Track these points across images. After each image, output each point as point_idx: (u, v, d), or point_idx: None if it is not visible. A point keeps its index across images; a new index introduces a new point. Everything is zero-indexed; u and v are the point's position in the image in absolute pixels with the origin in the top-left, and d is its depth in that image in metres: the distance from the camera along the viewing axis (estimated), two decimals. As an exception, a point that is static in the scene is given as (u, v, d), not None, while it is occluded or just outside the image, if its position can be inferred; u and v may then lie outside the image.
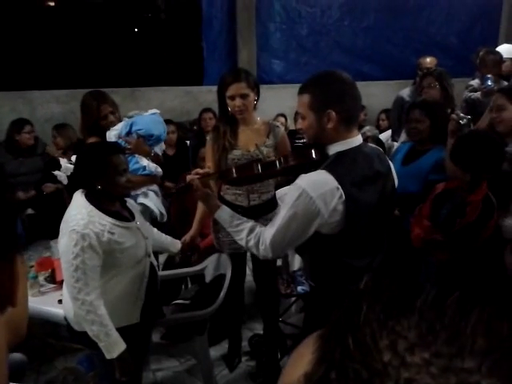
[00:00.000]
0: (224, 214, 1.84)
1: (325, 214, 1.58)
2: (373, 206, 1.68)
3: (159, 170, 2.96)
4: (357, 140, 1.71)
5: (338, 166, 1.63)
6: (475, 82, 4.21)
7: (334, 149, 1.68)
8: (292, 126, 5.29)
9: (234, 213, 1.85)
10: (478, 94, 3.95)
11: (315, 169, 1.65)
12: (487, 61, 4.09)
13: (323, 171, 1.61)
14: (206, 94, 5.72)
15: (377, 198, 1.69)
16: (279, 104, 5.64)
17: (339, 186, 1.57)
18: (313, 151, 1.71)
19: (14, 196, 4.19)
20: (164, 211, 3.17)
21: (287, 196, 1.66)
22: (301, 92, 1.70)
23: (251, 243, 1.73)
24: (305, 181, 1.60)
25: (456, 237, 2.26)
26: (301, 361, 0.40)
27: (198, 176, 1.88)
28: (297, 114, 5.16)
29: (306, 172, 1.65)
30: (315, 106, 1.64)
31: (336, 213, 1.60)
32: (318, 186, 1.58)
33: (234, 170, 1.87)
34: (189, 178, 1.89)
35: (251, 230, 1.75)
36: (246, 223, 1.78)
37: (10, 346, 0.56)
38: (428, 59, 4.62)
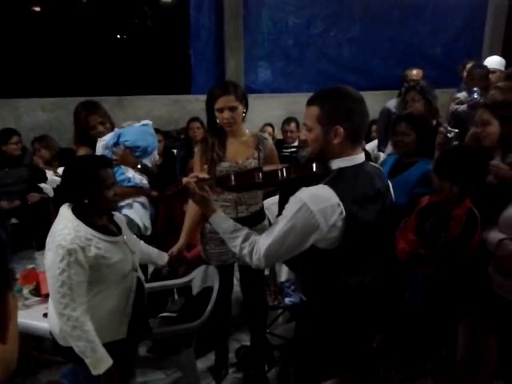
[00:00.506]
0: (219, 219, 1.83)
1: (324, 229, 1.58)
2: (371, 225, 1.68)
3: (145, 181, 2.95)
4: (360, 157, 1.71)
5: (340, 182, 1.62)
6: (462, 95, 4.28)
7: (336, 164, 1.67)
8: (279, 136, 5.32)
9: (230, 219, 1.84)
10: (464, 107, 4.01)
11: (316, 183, 1.64)
12: (474, 74, 4.17)
13: (325, 186, 1.60)
14: (194, 103, 5.73)
15: (375, 217, 1.69)
16: (266, 113, 5.68)
17: (340, 203, 1.57)
18: (314, 165, 1.69)
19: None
20: (148, 224, 3.12)
21: (286, 207, 1.65)
22: (310, 103, 1.69)
23: (245, 251, 1.72)
24: (306, 194, 1.59)
25: (440, 251, 2.28)
26: None
27: (195, 179, 1.86)
28: (288, 121, 5.19)
29: (307, 185, 1.64)
30: (324, 119, 1.64)
31: (335, 229, 1.59)
32: (319, 201, 1.57)
33: (232, 178, 1.84)
34: (185, 180, 1.86)
35: (246, 238, 1.73)
36: (240, 231, 1.76)
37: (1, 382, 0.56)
38: (414, 71, 4.69)
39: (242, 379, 2.99)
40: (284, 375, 3.00)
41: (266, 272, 3.25)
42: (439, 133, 2.67)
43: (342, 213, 1.57)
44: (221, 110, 2.50)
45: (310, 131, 1.69)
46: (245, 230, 1.77)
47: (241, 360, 3.11)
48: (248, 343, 3.10)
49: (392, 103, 4.17)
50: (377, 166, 1.91)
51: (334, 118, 1.62)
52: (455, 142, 2.64)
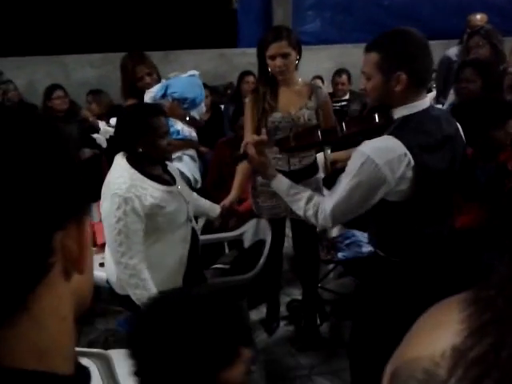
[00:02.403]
0: (281, 183, 1.79)
1: (391, 182, 1.51)
2: (444, 171, 1.58)
3: (194, 134, 2.90)
4: (424, 103, 1.60)
5: (405, 130, 1.53)
6: None
7: (400, 112, 1.58)
8: (329, 89, 5.13)
9: (291, 182, 1.79)
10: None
11: (379, 134, 1.56)
12: None
13: (389, 136, 1.52)
14: (241, 57, 5.59)
15: (448, 162, 1.60)
16: (315, 66, 5.46)
17: (407, 152, 1.49)
18: (376, 115, 1.61)
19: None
20: (198, 177, 3.10)
21: (349, 163, 1.58)
22: (368, 50, 1.59)
23: (309, 212, 1.67)
24: (369, 147, 1.52)
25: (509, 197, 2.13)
26: (440, 330, 0.32)
27: (253, 144, 1.82)
28: (339, 72, 4.98)
29: (369, 138, 1.56)
30: (384, 66, 1.54)
31: (404, 180, 1.52)
32: (384, 153, 1.50)
33: (291, 138, 1.80)
34: (244, 146, 1.84)
35: (309, 199, 1.69)
36: (303, 193, 1.72)
37: (75, 315, 0.53)
38: (478, 16, 4.37)
39: (293, 332, 2.99)
40: (336, 329, 2.99)
41: (319, 227, 3.19)
42: (508, 74, 2.48)
43: (409, 163, 1.49)
44: (273, 57, 2.40)
45: (369, 79, 1.60)
46: (307, 192, 1.73)
47: (292, 313, 3.11)
48: (299, 297, 3.09)
49: (453, 51, 3.93)
50: (445, 109, 1.79)
51: (396, 64, 1.52)
52: None
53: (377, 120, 1.60)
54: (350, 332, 2.18)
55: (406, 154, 1.48)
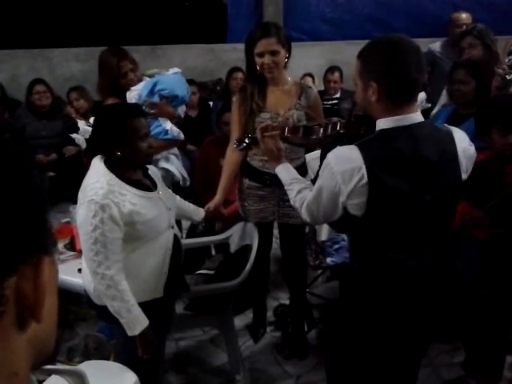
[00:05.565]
0: (281, 170, 1.85)
1: (344, 193, 1.48)
2: (405, 195, 1.49)
3: (182, 135, 2.78)
4: (412, 118, 1.50)
5: (373, 144, 1.48)
6: None
7: (379, 125, 1.53)
8: (320, 87, 5.04)
9: (293, 171, 1.85)
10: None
11: (352, 142, 1.55)
12: None
13: (355, 147, 1.48)
14: (230, 52, 5.47)
15: (413, 187, 1.48)
16: (307, 62, 5.36)
17: (363, 166, 1.43)
18: (360, 125, 1.64)
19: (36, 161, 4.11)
20: (186, 175, 3.04)
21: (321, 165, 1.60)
22: (357, 56, 1.57)
23: (297, 204, 1.73)
24: (334, 154, 1.52)
25: (494, 212, 2.07)
26: None
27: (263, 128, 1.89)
28: (331, 70, 4.98)
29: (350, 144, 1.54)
30: (362, 74, 1.52)
31: (356, 194, 1.47)
32: (342, 162, 1.48)
33: (301, 130, 1.86)
34: (258, 128, 1.90)
35: (299, 192, 1.74)
36: (297, 184, 1.77)
37: (34, 366, 0.47)
38: (464, 15, 4.28)
39: (280, 338, 2.91)
40: (324, 336, 2.91)
41: (307, 230, 3.12)
42: (496, 75, 2.41)
43: (363, 177, 1.44)
44: (261, 55, 2.31)
45: (356, 86, 1.59)
46: (300, 184, 1.77)
47: (279, 319, 3.03)
48: (286, 302, 3.02)
49: (437, 45, 3.97)
50: (447, 129, 1.59)
51: (369, 73, 1.49)
52: None
53: (362, 130, 1.63)
54: (328, 341, 2.13)
55: (360, 169, 1.44)
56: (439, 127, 1.62)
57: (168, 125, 2.70)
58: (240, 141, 2.03)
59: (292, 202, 1.77)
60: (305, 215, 1.70)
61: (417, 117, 1.51)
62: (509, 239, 2.09)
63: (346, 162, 1.47)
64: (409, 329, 1.72)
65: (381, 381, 1.86)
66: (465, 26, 3.97)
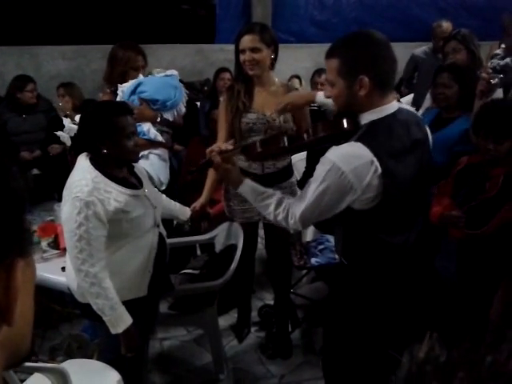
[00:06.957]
0: (248, 188, 1.74)
1: (358, 190, 1.46)
2: (411, 179, 1.54)
3: (159, 138, 2.74)
4: (392, 106, 1.55)
5: (373, 136, 1.48)
6: (501, 51, 3.98)
7: (367, 117, 1.53)
8: (308, 89, 5.06)
9: (258, 186, 1.73)
10: (508, 60, 3.70)
11: (346, 140, 1.50)
12: None
13: (357, 143, 1.47)
14: (218, 53, 5.48)
15: (416, 170, 1.55)
16: (294, 65, 5.39)
17: (374, 159, 1.44)
18: (344, 121, 1.55)
19: (19, 159, 4.06)
20: (164, 179, 2.86)
21: (317, 168, 1.53)
22: (328, 56, 1.53)
23: (280, 217, 1.64)
24: (336, 154, 1.47)
25: (472, 212, 2.11)
26: None
27: (218, 151, 1.75)
28: (319, 72, 4.93)
29: (337, 144, 1.51)
30: (345, 71, 1.50)
31: (371, 188, 1.47)
32: (350, 160, 1.45)
33: (258, 145, 1.74)
34: (209, 153, 1.76)
35: (278, 204, 1.65)
36: (271, 197, 1.68)
37: (7, 368, 0.46)
38: (444, 24, 4.34)
39: (264, 338, 2.92)
40: (308, 337, 2.93)
41: (291, 231, 3.13)
42: (481, 79, 2.44)
43: (377, 170, 1.44)
44: (243, 51, 2.32)
45: (332, 86, 1.54)
46: (276, 196, 1.68)
47: (263, 319, 3.04)
48: (271, 302, 3.03)
49: (421, 50, 4.06)
50: (413, 111, 1.73)
51: (357, 68, 1.48)
52: (499, 89, 2.42)
53: (345, 126, 1.56)
54: (323, 341, 2.13)
55: (372, 162, 1.44)
56: (406, 109, 1.66)
57: (146, 126, 2.67)
58: (200, 166, 1.86)
59: (271, 216, 1.67)
60: (296, 224, 1.62)
61: (394, 104, 1.57)
62: (483, 241, 2.14)
63: (354, 159, 1.45)
64: (400, 316, 1.75)
65: (379, 375, 1.86)
66: (446, 35, 4.05)
